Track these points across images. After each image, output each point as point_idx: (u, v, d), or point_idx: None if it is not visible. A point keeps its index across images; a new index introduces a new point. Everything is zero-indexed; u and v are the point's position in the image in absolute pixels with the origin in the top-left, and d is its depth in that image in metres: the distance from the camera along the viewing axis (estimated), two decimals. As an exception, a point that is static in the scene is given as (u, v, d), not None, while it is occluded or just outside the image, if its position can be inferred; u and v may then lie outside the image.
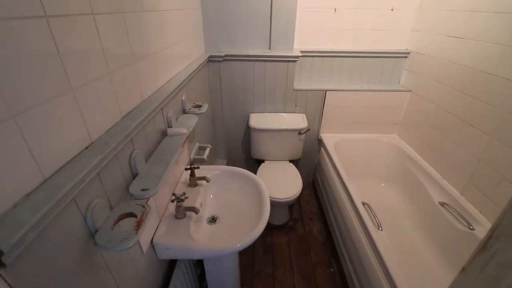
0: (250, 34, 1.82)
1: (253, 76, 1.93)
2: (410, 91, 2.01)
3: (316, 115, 2.12)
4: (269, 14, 1.75)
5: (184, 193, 0.97)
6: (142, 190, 0.69)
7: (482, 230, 1.34)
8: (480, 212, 1.41)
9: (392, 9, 1.87)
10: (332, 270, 1.67)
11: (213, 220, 1.16)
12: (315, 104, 2.06)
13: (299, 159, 2.18)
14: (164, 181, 0.74)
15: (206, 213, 1.17)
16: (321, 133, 2.19)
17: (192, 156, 1.39)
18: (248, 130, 2.06)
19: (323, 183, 2.12)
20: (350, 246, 1.51)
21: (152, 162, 0.82)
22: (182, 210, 0.97)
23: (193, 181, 1.15)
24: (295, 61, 1.87)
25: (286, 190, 1.74)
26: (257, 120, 1.99)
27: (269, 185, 1.78)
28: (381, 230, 1.37)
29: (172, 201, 0.94)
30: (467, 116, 1.49)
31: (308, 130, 2.00)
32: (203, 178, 1.14)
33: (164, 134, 0.99)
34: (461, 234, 1.41)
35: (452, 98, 1.60)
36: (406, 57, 2.03)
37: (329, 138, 2.13)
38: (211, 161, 1.97)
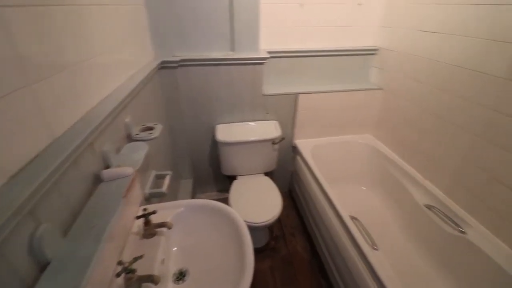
0: (209, 34, 1.57)
1: (216, 82, 1.68)
2: (382, 89, 1.92)
3: (289, 121, 1.94)
4: (229, 12, 1.51)
5: (135, 259, 0.70)
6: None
7: (473, 233, 1.27)
8: (469, 213, 1.34)
9: (359, 4, 1.75)
10: (323, 293, 1.51)
11: (180, 276, 0.89)
12: (287, 109, 1.88)
13: (274, 169, 1.99)
14: (95, 270, 0.47)
15: (172, 268, 0.91)
16: (296, 139, 2.02)
17: (147, 191, 1.11)
18: (216, 143, 1.81)
19: (302, 193, 1.95)
20: (342, 267, 1.35)
21: (75, 235, 0.54)
22: (135, 282, 0.69)
23: (150, 231, 0.87)
24: (262, 63, 1.66)
25: (265, 212, 1.52)
26: (225, 133, 1.75)
27: (246, 209, 1.55)
28: (377, 249, 1.23)
29: (118, 274, 0.66)
30: (448, 114, 1.42)
31: (283, 139, 1.82)
32: (163, 224, 0.87)
33: (98, 179, 0.70)
34: (452, 239, 1.34)
35: (429, 95, 1.52)
36: (374, 54, 1.94)
37: (304, 144, 1.97)
38: (173, 187, 1.68)
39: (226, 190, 2.10)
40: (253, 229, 1.38)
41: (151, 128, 1.02)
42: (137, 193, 0.95)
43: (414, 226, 1.61)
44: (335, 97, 1.89)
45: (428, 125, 1.55)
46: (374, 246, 1.23)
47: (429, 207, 1.49)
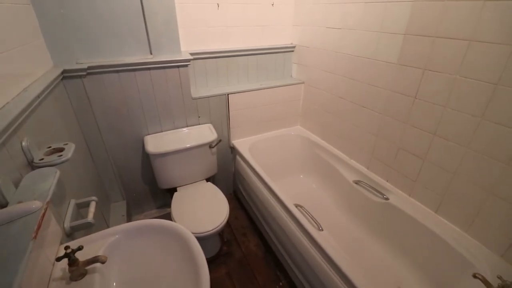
0: (121, 37, 1.40)
1: (137, 89, 1.52)
2: (303, 83, 2.08)
3: (224, 122, 1.91)
4: (142, 12, 1.38)
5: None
6: None
7: (394, 198, 1.48)
8: (387, 181, 1.57)
9: (272, 4, 1.85)
10: (281, 284, 1.54)
11: (127, 313, 0.77)
12: (220, 110, 1.85)
13: (215, 173, 1.93)
14: None
15: (113, 307, 0.77)
16: (232, 139, 2.00)
17: (68, 225, 0.92)
18: (147, 156, 1.65)
19: (246, 191, 1.96)
20: (295, 254, 1.41)
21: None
22: None
23: (79, 271, 0.72)
24: (186, 65, 1.58)
25: (212, 218, 1.46)
26: (156, 143, 1.60)
27: (191, 220, 1.46)
28: (322, 230, 1.32)
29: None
30: (358, 99, 1.62)
31: (220, 141, 1.78)
32: (94, 260, 0.73)
33: (-11, 224, 0.54)
34: (379, 206, 1.54)
35: (342, 84, 1.72)
36: (292, 51, 2.09)
37: (241, 143, 1.98)
38: (103, 214, 1.46)
39: (167, 205, 1.95)
40: (202, 239, 1.31)
41: (60, 150, 0.84)
42: (52, 230, 0.77)
43: (348, 202, 1.79)
44: (263, 94, 1.95)
45: (344, 110, 1.75)
46: (320, 228, 1.32)
47: (357, 182, 1.69)
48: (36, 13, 1.15)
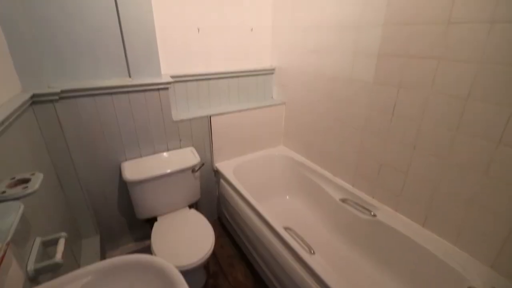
0: (98, 60, 1.36)
1: (114, 114, 1.45)
2: (284, 103, 2.12)
3: (206, 145, 1.86)
4: (120, 34, 1.36)
5: None
6: None
7: (381, 214, 1.48)
8: (373, 197, 1.58)
9: (251, 29, 1.91)
10: (273, 315, 1.43)
11: None
12: (202, 133, 1.81)
13: (198, 199, 1.84)
14: None
15: None
16: (216, 162, 1.95)
17: (31, 267, 0.80)
18: (124, 185, 1.54)
19: (232, 216, 1.87)
20: (286, 280, 1.33)
21: None
22: None
23: (42, 324, 0.61)
24: (166, 88, 1.55)
25: (196, 249, 1.36)
26: (134, 170, 1.51)
27: (174, 252, 1.35)
28: (314, 253, 1.27)
29: None
30: (339, 118, 1.66)
31: (203, 164, 1.72)
32: (63, 308, 0.63)
33: None
34: (367, 223, 1.53)
35: (322, 104, 1.76)
36: (272, 73, 2.14)
37: (225, 166, 1.92)
38: (73, 252, 1.31)
39: (147, 236, 1.80)
40: (187, 273, 1.20)
41: (26, 181, 0.75)
42: (12, 276, 0.66)
43: (336, 220, 1.76)
44: (245, 115, 1.95)
45: (326, 128, 1.78)
46: (311, 251, 1.27)
47: (343, 200, 1.68)
48: (4, 32, 1.08)
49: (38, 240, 0.90)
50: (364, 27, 1.38)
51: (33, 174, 0.78)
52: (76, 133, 1.38)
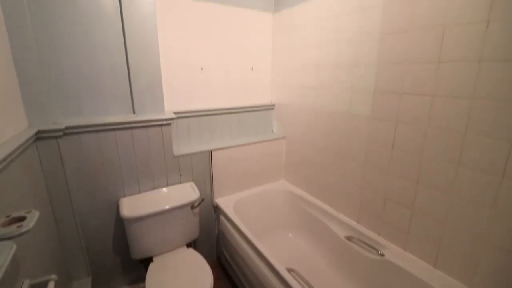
0: (103, 97, 1.41)
1: (116, 149, 1.46)
2: (284, 138, 2.15)
3: (207, 180, 1.84)
4: (127, 74, 1.43)
5: None
6: None
7: (389, 253, 1.40)
8: (379, 234, 1.51)
9: (252, 68, 2.02)
10: None
11: None
12: (203, 168, 1.80)
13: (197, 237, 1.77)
14: None
15: None
16: (216, 198, 1.91)
17: (14, 316, 0.73)
18: (120, 222, 1.49)
19: (232, 256, 1.77)
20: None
21: None
22: None
23: None
24: (169, 124, 1.58)
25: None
26: (132, 206, 1.47)
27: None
28: (320, 297, 1.18)
29: None
30: (339, 152, 1.67)
31: (203, 200, 1.68)
32: None
33: None
34: (375, 263, 1.44)
35: (322, 138, 1.78)
36: (272, 109, 2.21)
37: (225, 202, 1.88)
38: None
39: (141, 279, 1.70)
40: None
41: (21, 219, 0.73)
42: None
43: (342, 260, 1.67)
44: (246, 150, 1.97)
45: (326, 162, 1.78)
46: (317, 294, 1.18)
47: (349, 238, 1.61)
48: (17, 73, 1.14)
49: (26, 283, 0.84)
50: (359, 65, 1.46)
51: (29, 212, 0.76)
52: (76, 168, 1.37)
